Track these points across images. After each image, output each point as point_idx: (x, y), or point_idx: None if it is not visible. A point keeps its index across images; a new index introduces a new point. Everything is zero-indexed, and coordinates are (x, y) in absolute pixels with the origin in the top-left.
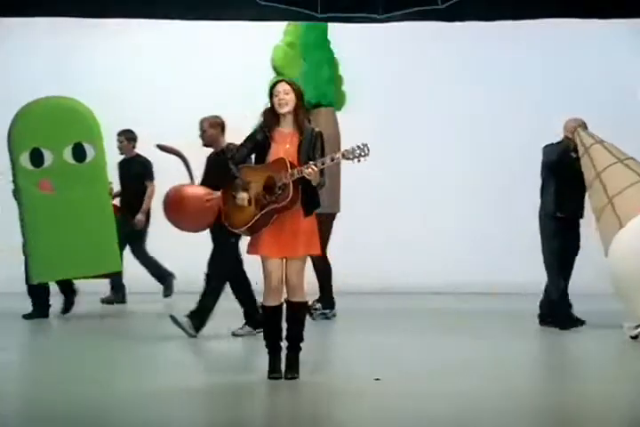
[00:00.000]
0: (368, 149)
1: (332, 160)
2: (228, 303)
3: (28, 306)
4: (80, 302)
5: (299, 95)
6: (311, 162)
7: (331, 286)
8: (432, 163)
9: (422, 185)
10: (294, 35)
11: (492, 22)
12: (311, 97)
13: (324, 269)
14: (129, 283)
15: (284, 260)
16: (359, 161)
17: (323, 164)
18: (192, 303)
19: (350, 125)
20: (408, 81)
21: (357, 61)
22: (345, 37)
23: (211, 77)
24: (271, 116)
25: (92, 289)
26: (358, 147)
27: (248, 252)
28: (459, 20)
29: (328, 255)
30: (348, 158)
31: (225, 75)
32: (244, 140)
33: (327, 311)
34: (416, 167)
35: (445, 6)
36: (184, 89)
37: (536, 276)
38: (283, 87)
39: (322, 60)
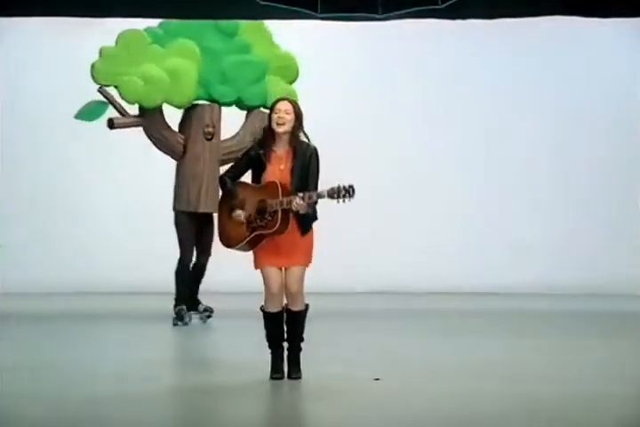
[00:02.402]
0: (353, 191)
1: (319, 197)
2: (227, 304)
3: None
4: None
5: (298, 115)
6: (300, 194)
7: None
8: (433, 163)
9: (422, 185)
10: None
11: (492, 21)
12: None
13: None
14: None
15: (284, 268)
16: (344, 201)
17: (310, 198)
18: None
19: (351, 126)
20: (408, 80)
21: (358, 61)
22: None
23: None
24: (267, 135)
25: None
26: (344, 188)
27: (256, 267)
28: (458, 18)
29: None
30: (333, 198)
31: None
32: (240, 158)
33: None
34: (417, 167)
35: (445, 6)
36: None
37: (536, 276)
38: (284, 106)
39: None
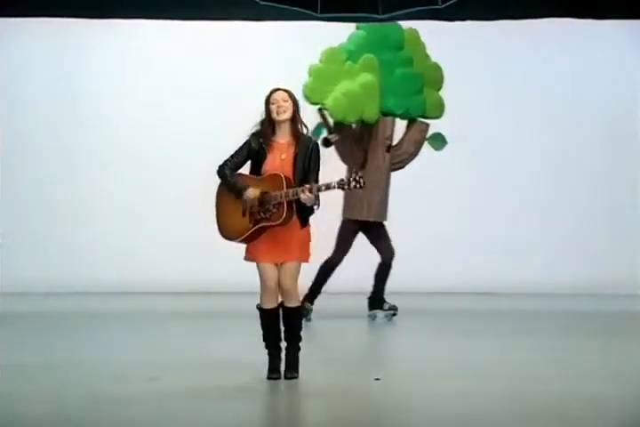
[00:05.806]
0: (363, 182)
1: (327, 189)
2: (227, 304)
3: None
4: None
5: (295, 104)
6: (307, 185)
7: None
8: (430, 162)
9: (420, 185)
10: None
11: (492, 22)
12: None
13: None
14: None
15: (279, 264)
16: (350, 190)
17: (318, 190)
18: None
19: None
20: None
21: None
22: None
23: (211, 76)
24: (267, 126)
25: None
26: (354, 179)
27: (245, 258)
28: (458, 19)
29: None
30: (342, 188)
31: (225, 73)
32: (239, 148)
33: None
34: (414, 166)
35: (445, 6)
36: (183, 89)
37: (536, 276)
38: (280, 95)
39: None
